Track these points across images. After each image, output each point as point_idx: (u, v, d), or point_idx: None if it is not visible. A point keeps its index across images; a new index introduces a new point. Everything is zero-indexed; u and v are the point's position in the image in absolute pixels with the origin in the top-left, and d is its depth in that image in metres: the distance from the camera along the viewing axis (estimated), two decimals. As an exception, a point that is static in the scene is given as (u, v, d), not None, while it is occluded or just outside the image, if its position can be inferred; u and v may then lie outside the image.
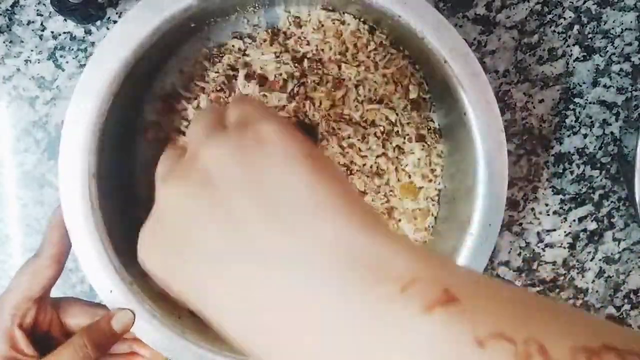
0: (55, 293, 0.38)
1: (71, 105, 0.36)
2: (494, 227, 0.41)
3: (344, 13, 0.44)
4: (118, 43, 0.36)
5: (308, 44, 0.44)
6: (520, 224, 0.53)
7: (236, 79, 0.43)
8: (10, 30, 0.45)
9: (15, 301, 0.36)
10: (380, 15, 0.40)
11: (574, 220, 0.53)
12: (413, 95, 0.45)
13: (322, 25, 0.44)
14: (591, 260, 0.53)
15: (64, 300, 0.40)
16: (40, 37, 0.46)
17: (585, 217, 0.53)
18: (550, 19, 0.50)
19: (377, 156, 0.45)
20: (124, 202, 0.42)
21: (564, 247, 0.53)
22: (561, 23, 0.50)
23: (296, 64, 0.44)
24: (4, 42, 0.45)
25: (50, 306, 0.38)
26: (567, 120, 0.51)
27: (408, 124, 0.46)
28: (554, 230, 0.53)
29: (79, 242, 0.37)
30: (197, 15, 0.39)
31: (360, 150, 0.45)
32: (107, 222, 0.38)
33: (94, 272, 0.38)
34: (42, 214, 0.48)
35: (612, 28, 0.50)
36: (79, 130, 0.36)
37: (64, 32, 0.46)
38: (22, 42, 0.46)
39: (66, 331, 0.39)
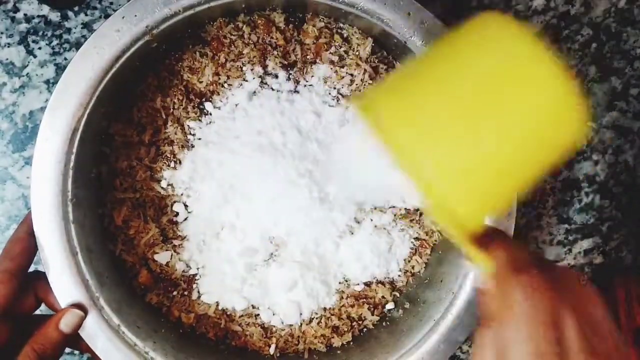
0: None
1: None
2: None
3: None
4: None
5: None
6: (521, 253, 0.49)
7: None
8: (-20, 9, 0.42)
9: None
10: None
11: (579, 253, 0.49)
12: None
13: None
14: (595, 296, 0.49)
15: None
16: (12, 19, 0.42)
17: (592, 249, 0.49)
18: (566, 34, 0.46)
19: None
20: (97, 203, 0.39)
21: (567, 281, 0.49)
22: (578, 40, 0.46)
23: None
24: (-28, 22, 0.42)
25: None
26: (578, 145, 0.47)
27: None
28: (557, 262, 0.49)
29: (50, 253, 0.35)
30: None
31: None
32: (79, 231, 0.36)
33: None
34: (3, 211, 0.44)
35: (633, 49, 0.46)
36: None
37: (38, 16, 0.42)
38: (-7, 23, 0.42)
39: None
